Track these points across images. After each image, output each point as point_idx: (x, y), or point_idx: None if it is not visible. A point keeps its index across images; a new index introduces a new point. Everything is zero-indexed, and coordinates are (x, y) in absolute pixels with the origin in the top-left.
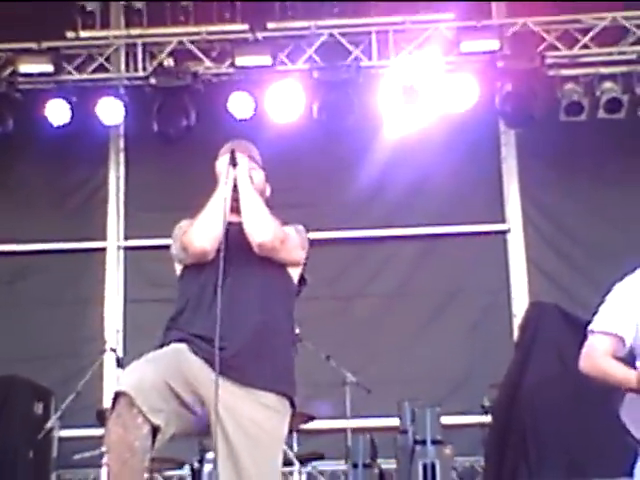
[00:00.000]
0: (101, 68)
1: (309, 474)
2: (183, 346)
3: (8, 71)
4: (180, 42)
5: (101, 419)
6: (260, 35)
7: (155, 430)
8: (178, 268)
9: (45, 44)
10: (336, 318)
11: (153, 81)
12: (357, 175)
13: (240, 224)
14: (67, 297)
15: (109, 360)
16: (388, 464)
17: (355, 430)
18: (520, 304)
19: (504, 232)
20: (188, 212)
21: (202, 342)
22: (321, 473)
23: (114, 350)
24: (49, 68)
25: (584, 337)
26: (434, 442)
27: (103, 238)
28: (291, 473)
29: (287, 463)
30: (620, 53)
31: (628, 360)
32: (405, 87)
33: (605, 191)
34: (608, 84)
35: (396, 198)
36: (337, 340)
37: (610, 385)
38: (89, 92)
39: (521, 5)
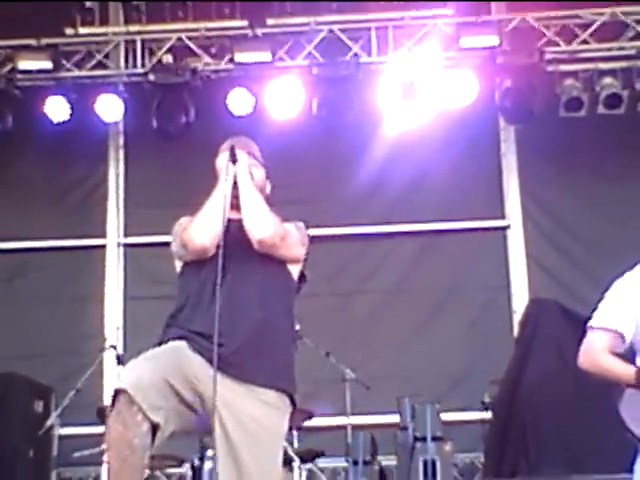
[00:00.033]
0: (100, 65)
1: (309, 471)
2: (183, 343)
3: (7, 68)
4: (179, 38)
5: (101, 417)
6: (259, 31)
7: (155, 428)
8: (178, 265)
9: (44, 41)
10: (336, 314)
11: (152, 78)
12: (357, 171)
13: (240, 221)
14: (67, 294)
15: (109, 357)
16: (388, 461)
17: (355, 427)
18: (520, 300)
19: (504, 228)
20: (188, 209)
21: (202, 339)
22: (321, 470)
23: (114, 347)
24: (48, 65)
25: (584, 333)
26: (434, 439)
27: (103, 235)
28: (291, 470)
29: (287, 460)
30: (619, 48)
31: (628, 356)
32: (404, 83)
33: (605, 187)
34: (608, 80)
35: (396, 194)
36: (337, 337)
37: (609, 381)
38: (88, 89)
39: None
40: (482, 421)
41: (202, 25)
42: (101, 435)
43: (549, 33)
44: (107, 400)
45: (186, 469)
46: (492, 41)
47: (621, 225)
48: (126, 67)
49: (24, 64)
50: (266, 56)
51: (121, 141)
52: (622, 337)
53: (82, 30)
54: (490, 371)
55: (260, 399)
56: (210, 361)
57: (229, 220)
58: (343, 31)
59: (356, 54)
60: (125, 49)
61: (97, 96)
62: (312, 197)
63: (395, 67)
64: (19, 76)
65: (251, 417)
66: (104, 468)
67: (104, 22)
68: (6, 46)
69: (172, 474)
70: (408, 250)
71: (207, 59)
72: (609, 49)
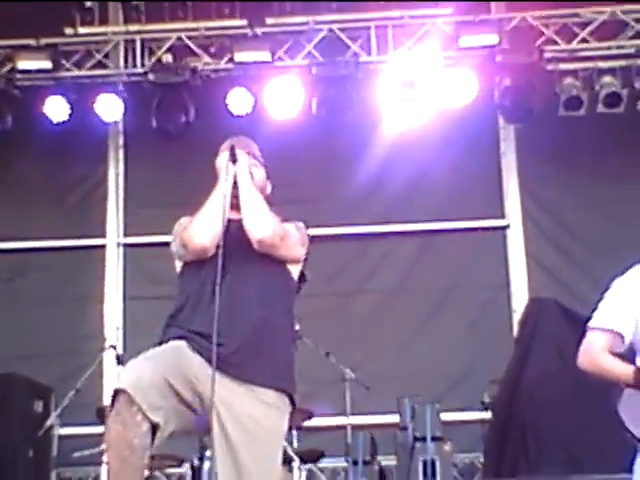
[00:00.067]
0: (100, 64)
1: (309, 471)
2: (182, 343)
3: (7, 68)
4: (179, 38)
5: (101, 417)
6: (259, 31)
7: (154, 427)
8: (178, 265)
9: (44, 40)
10: (335, 314)
11: (152, 77)
12: (356, 171)
13: (240, 221)
14: (66, 294)
15: (109, 357)
16: (388, 461)
17: (355, 427)
18: (520, 299)
19: (503, 227)
20: (188, 208)
21: (201, 339)
22: (321, 470)
23: (114, 347)
24: (48, 65)
25: (583, 333)
26: (434, 439)
27: (102, 235)
28: (291, 470)
29: (287, 460)
30: (619, 47)
31: (628, 356)
32: (404, 82)
33: (604, 186)
34: (607, 78)
35: (395, 194)
36: (337, 337)
37: (608, 381)
38: (88, 88)
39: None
40: (482, 421)
41: (202, 25)
42: (101, 435)
43: (548, 32)
44: (107, 400)
45: (186, 469)
46: (491, 40)
47: (621, 224)
48: (126, 67)
49: (23, 64)
50: (265, 56)
51: (121, 141)
52: (622, 337)
53: (82, 30)
54: (490, 371)
55: (259, 399)
56: (210, 361)
57: (229, 220)
58: (342, 30)
59: (355, 53)
60: (125, 49)
61: (97, 96)
62: (312, 197)
63: (394, 66)
64: (18, 76)
65: (250, 417)
66: (104, 468)
67: (103, 22)
68: (5, 46)
69: (172, 474)
70: (408, 250)
71: (207, 59)
72: (608, 48)
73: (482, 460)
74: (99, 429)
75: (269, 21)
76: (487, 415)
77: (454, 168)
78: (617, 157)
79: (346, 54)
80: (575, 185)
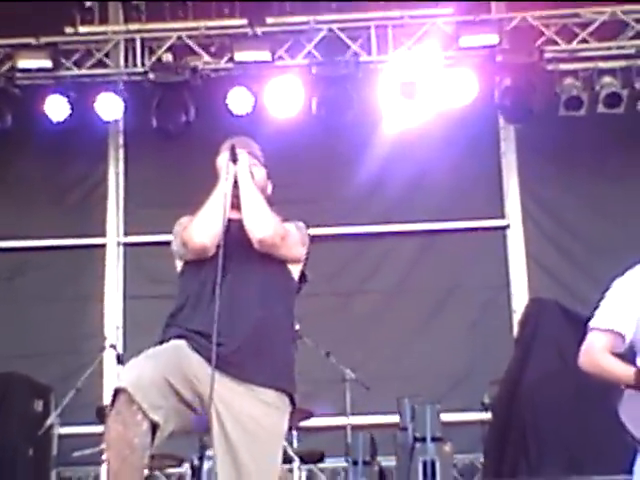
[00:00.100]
0: (100, 64)
1: (309, 471)
2: (182, 343)
3: (6, 67)
4: (179, 37)
5: (101, 416)
6: (259, 30)
7: (154, 427)
8: (178, 264)
9: (44, 39)
10: (336, 314)
11: (152, 76)
12: (356, 171)
13: (240, 221)
14: (66, 293)
15: (109, 357)
16: (388, 461)
17: (355, 427)
18: (520, 300)
19: (504, 227)
20: (188, 208)
21: (201, 338)
22: (321, 470)
23: (114, 347)
24: (48, 63)
25: (584, 333)
26: (434, 439)
27: (102, 234)
28: (291, 470)
29: (287, 460)
30: (619, 47)
31: (628, 356)
32: (404, 82)
33: (605, 186)
34: (607, 79)
35: (395, 194)
36: (337, 336)
37: (609, 382)
38: (88, 88)
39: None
40: (482, 422)
41: (202, 24)
42: (101, 434)
43: (549, 32)
44: (107, 399)
45: (185, 469)
46: (492, 40)
47: (621, 224)
48: (126, 66)
49: (24, 63)
50: (266, 55)
51: (121, 140)
52: (622, 337)
53: (82, 29)
54: (490, 371)
55: (259, 399)
56: (210, 360)
57: (229, 220)
58: (343, 30)
59: (356, 53)
60: (125, 48)
61: (97, 95)
62: (312, 197)
63: (395, 66)
64: (19, 75)
65: (250, 416)
66: (104, 468)
67: (104, 21)
68: (6, 45)
69: (172, 474)
70: (408, 250)
71: (207, 58)
72: (609, 48)
73: (482, 461)
74: (99, 428)
75: (269, 21)
76: (487, 416)
77: (454, 168)
78: (617, 157)
79: (346, 54)
80: (575, 185)
